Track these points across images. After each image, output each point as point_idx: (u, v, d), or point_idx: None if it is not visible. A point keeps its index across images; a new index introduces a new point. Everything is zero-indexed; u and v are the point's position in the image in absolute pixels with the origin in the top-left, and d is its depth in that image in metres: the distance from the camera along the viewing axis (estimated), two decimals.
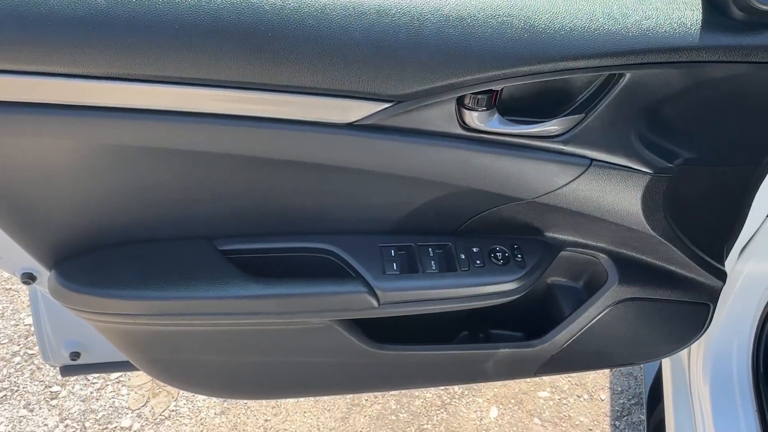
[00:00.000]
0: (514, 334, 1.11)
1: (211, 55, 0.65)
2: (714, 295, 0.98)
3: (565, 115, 0.77)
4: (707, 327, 1.01)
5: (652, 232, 0.89)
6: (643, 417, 1.68)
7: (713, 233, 0.96)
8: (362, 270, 0.86)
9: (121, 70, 0.66)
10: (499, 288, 0.88)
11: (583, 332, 0.98)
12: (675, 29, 0.69)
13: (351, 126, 0.73)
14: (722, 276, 0.97)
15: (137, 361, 0.99)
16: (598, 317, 0.97)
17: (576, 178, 0.83)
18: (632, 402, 1.73)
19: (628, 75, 0.72)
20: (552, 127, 0.77)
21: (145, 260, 0.86)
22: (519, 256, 0.91)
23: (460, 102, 0.74)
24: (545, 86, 0.76)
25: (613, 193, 0.85)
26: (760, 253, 1.04)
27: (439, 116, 0.74)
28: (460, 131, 0.76)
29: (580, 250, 0.95)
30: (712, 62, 0.70)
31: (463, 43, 0.66)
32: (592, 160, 0.81)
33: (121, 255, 0.87)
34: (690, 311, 1.00)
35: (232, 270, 0.85)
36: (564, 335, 0.99)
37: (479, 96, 0.72)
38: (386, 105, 0.71)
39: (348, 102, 0.70)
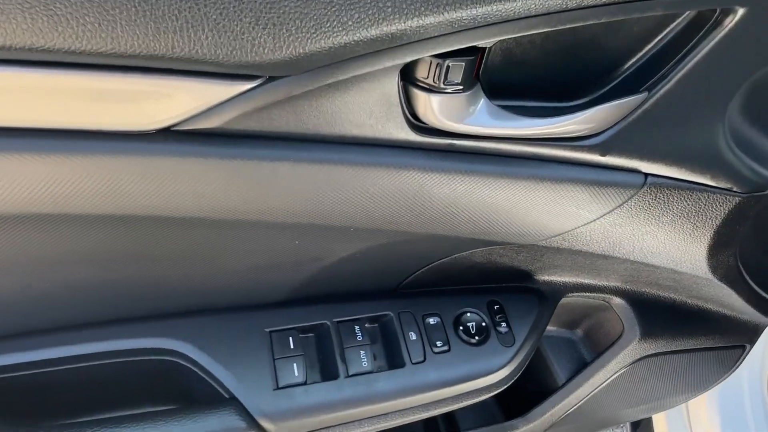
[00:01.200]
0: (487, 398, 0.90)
1: None
2: (755, 335, 0.83)
3: (607, 98, 0.47)
4: (735, 369, 0.88)
5: (709, 275, 0.65)
6: None
7: None
8: (234, 384, 0.55)
9: None
10: (477, 384, 0.63)
11: (585, 402, 0.78)
12: None
13: (168, 133, 0.40)
14: None
15: None
16: (606, 382, 0.77)
17: (615, 208, 0.53)
18: None
19: (740, 12, 0.44)
20: (581, 125, 0.47)
21: None
22: (503, 323, 0.66)
23: (406, 76, 0.43)
24: (572, 42, 0.46)
25: (671, 228, 0.57)
26: None
27: (365, 106, 0.43)
28: (407, 135, 0.45)
29: (586, 294, 0.74)
30: None
31: None
32: (646, 175, 0.52)
33: None
34: (721, 356, 0.84)
35: None
36: (558, 410, 0.78)
37: (448, 62, 0.41)
38: (246, 86, 0.38)
39: (159, 82, 0.37)
